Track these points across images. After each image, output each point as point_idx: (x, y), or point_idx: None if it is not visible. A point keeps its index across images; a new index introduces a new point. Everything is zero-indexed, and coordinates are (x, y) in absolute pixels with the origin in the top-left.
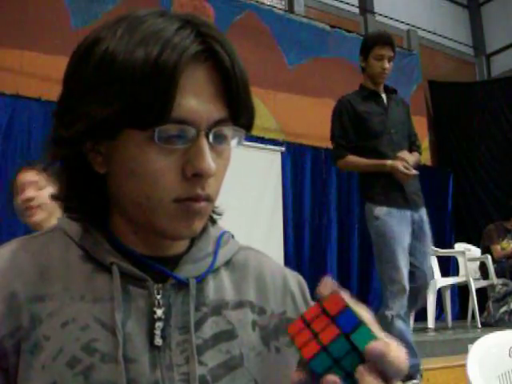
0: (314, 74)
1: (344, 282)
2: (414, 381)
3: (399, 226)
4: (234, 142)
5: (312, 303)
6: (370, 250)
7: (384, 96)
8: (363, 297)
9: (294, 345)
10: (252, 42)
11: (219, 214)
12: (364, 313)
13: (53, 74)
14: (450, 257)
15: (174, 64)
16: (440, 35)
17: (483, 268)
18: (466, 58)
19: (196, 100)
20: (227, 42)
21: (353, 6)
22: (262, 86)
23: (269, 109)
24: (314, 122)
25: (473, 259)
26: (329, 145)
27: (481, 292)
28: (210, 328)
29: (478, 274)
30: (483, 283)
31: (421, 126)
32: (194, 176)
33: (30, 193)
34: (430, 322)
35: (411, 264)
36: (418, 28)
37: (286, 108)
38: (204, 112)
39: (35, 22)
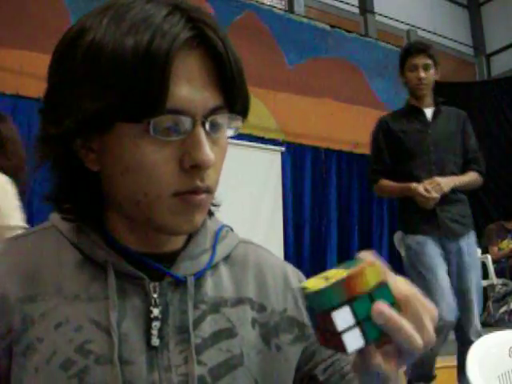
0: (313, 74)
1: None
2: None
3: (430, 256)
4: (231, 132)
5: None
6: (369, 250)
7: (430, 110)
8: None
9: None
10: (252, 42)
11: (217, 206)
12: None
13: None
14: None
15: (166, 52)
16: (440, 35)
17: (483, 268)
18: (466, 58)
19: (190, 88)
20: (218, 26)
21: (353, 6)
22: (262, 86)
23: (269, 109)
24: (314, 122)
25: None
26: (329, 145)
27: None
28: (209, 326)
29: None
30: (483, 283)
31: None
32: (193, 168)
33: None
34: None
35: None
36: (418, 28)
37: (285, 108)
38: (199, 100)
39: (35, 22)
